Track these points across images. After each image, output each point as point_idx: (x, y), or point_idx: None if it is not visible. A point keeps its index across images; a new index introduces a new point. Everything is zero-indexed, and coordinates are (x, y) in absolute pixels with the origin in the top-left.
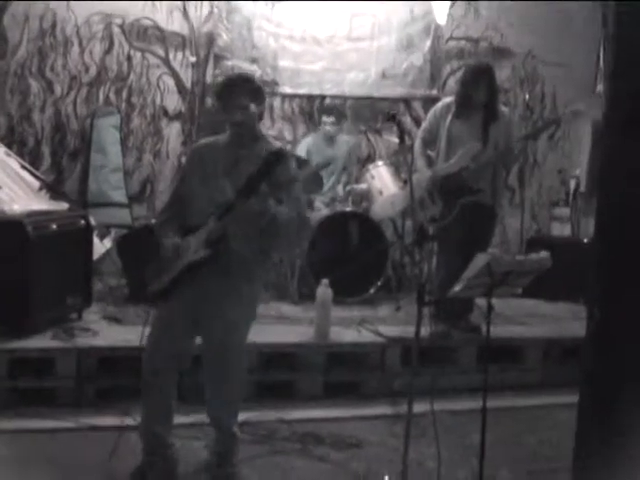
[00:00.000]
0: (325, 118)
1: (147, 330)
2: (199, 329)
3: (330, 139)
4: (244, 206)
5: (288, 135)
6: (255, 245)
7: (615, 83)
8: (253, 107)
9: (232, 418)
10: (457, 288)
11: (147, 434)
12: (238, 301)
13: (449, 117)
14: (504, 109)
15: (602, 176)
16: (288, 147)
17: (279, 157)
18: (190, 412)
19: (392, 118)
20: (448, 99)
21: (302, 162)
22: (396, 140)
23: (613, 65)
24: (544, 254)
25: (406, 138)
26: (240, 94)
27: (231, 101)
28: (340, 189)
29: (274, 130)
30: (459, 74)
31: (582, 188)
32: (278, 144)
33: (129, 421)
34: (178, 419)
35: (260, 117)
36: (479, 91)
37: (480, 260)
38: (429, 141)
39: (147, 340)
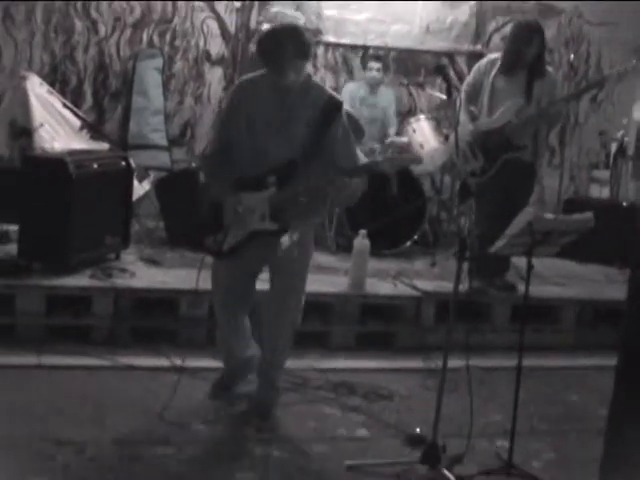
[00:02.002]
0: (373, 63)
1: (202, 275)
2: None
3: (374, 87)
4: (310, 174)
5: (330, 84)
6: (320, 207)
7: None
8: (302, 65)
9: (279, 371)
10: (499, 245)
11: (226, 352)
12: (298, 253)
13: (493, 73)
14: (549, 69)
15: None
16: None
17: (336, 108)
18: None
19: (440, 70)
20: (493, 55)
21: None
22: (438, 94)
23: None
24: (587, 214)
25: (453, 91)
26: (289, 52)
27: (280, 60)
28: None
29: (317, 78)
30: (504, 30)
31: (629, 151)
32: (329, 91)
33: (164, 362)
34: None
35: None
36: (529, 49)
37: (523, 217)
38: (472, 96)
39: (215, 293)
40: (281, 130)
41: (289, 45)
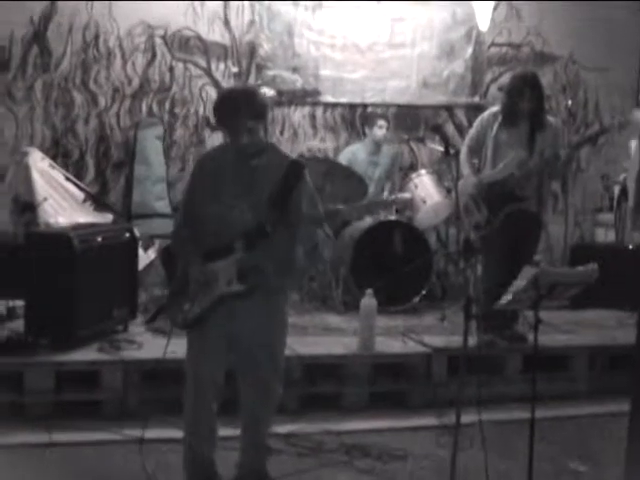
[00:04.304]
0: (382, 122)
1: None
2: (233, 351)
3: (377, 146)
4: (277, 236)
5: (330, 144)
6: (288, 269)
7: None
8: (257, 126)
9: (266, 432)
10: (504, 301)
11: (194, 461)
12: (271, 320)
13: (495, 125)
14: (551, 119)
15: None
16: (330, 155)
17: (299, 170)
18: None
19: (436, 129)
20: (495, 108)
21: (346, 171)
22: (439, 148)
23: None
24: (591, 266)
25: (450, 149)
26: (242, 114)
27: (232, 122)
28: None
29: (317, 139)
30: (501, 80)
31: (630, 202)
32: (290, 155)
33: (176, 433)
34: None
35: (265, 128)
36: (525, 100)
37: (527, 273)
38: (475, 149)
39: (186, 371)
40: (245, 197)
41: (243, 106)
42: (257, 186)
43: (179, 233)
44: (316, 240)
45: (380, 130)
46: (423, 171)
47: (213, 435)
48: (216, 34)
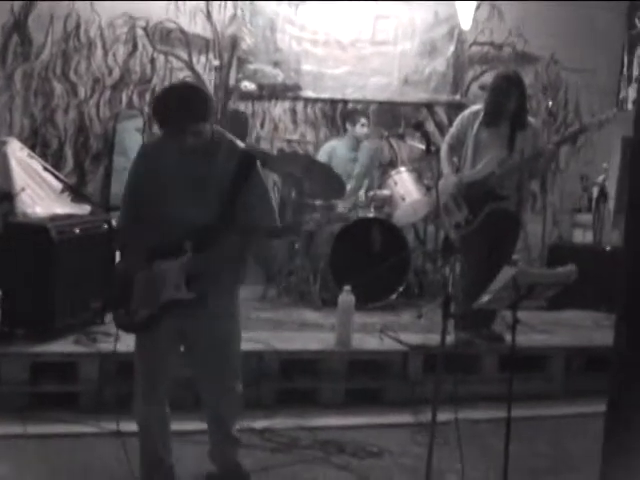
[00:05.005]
0: (364, 120)
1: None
2: (185, 350)
3: (357, 142)
4: (228, 239)
5: (310, 138)
6: (238, 274)
7: None
8: (203, 127)
9: (233, 422)
10: (483, 300)
11: (149, 459)
12: (222, 319)
13: (476, 124)
14: (531, 119)
15: (632, 191)
16: (310, 149)
17: (250, 162)
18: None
19: (418, 127)
20: (476, 107)
21: (325, 168)
22: (419, 145)
23: None
24: (570, 267)
25: (432, 147)
26: (187, 114)
27: (176, 123)
28: (362, 195)
29: (297, 133)
30: (483, 79)
31: (610, 202)
32: (242, 146)
33: None
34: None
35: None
36: (510, 100)
37: (506, 273)
38: (455, 148)
39: (135, 367)
40: (194, 193)
41: (185, 106)
42: (207, 182)
43: (125, 230)
44: (269, 251)
45: (362, 129)
46: (403, 168)
47: (165, 430)
48: (198, 27)
